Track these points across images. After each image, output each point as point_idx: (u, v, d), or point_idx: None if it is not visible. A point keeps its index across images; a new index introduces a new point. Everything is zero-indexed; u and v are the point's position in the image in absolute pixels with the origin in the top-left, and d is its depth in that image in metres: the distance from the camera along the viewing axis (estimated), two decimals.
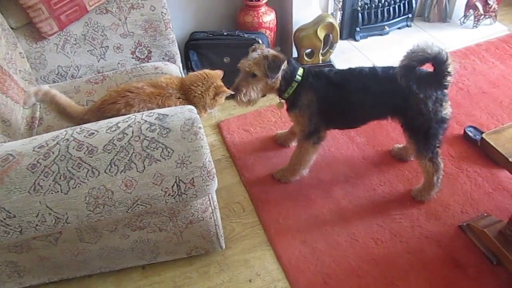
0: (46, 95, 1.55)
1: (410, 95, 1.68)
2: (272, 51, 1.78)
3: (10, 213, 1.16)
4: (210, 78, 1.63)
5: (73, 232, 1.43)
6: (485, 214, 1.85)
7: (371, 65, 1.83)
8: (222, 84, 1.69)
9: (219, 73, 1.72)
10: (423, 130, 1.75)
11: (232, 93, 1.74)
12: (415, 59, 1.56)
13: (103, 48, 2.04)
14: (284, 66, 1.75)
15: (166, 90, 1.55)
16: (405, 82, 1.61)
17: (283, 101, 1.91)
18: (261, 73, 1.74)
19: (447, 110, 1.73)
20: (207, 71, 1.68)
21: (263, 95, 1.91)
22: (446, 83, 1.65)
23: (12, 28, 1.88)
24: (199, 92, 1.60)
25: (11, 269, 1.53)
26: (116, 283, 1.74)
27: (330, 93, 1.80)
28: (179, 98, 1.57)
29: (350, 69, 1.83)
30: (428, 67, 1.67)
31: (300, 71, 1.82)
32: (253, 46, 1.86)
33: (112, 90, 1.58)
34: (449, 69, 1.61)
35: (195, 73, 1.66)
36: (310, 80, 1.81)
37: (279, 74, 1.76)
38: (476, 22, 3.04)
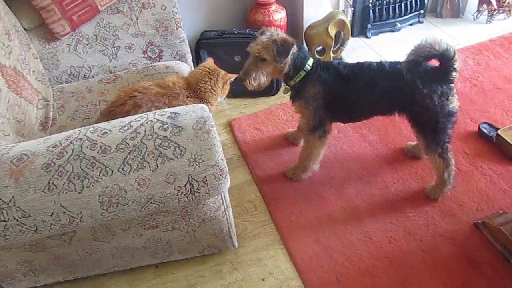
0: None
1: (415, 90, 1.67)
2: (281, 34, 1.76)
3: (25, 212, 1.17)
4: (214, 71, 1.65)
5: (87, 231, 1.44)
6: (501, 211, 1.82)
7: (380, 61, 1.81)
8: (224, 71, 1.70)
9: (211, 60, 1.76)
10: (431, 125, 1.73)
11: (237, 76, 1.74)
12: (422, 55, 1.54)
13: (115, 48, 2.05)
14: (294, 50, 1.72)
15: (173, 90, 1.56)
16: (411, 77, 1.60)
17: (288, 87, 1.90)
18: (270, 57, 1.72)
19: (454, 103, 1.71)
20: (206, 64, 1.69)
21: (272, 79, 1.89)
22: (451, 78, 1.64)
23: (25, 29, 1.90)
24: (209, 87, 1.61)
25: (26, 268, 1.55)
26: (129, 281, 1.75)
27: (337, 85, 1.79)
28: (188, 97, 1.57)
29: (358, 63, 1.81)
30: (433, 62, 1.65)
31: (311, 61, 1.80)
32: (262, 29, 1.82)
33: (120, 91, 1.59)
34: (455, 65, 1.59)
35: (196, 71, 1.67)
36: (318, 72, 1.79)
37: (288, 58, 1.73)
38: (489, 17, 3.00)
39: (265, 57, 1.73)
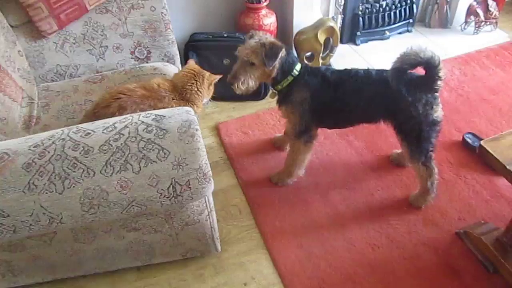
0: None
1: (400, 98, 1.68)
2: (270, 38, 1.76)
3: (3, 212, 1.15)
4: (199, 72, 1.65)
5: (68, 232, 1.43)
6: (483, 221, 1.84)
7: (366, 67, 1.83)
8: (209, 73, 1.70)
9: (193, 62, 1.77)
10: (415, 133, 1.75)
11: (222, 76, 1.73)
12: (407, 62, 1.55)
13: (103, 48, 2.03)
14: (282, 53, 1.72)
15: (158, 92, 1.55)
16: (396, 84, 1.61)
17: (275, 92, 1.90)
18: (259, 61, 1.72)
19: (438, 112, 1.73)
20: (190, 67, 1.69)
21: (260, 83, 1.89)
22: (436, 87, 1.65)
23: (11, 26, 1.87)
24: (196, 89, 1.61)
25: (5, 268, 1.53)
26: (111, 284, 1.73)
27: (324, 92, 1.79)
28: (173, 99, 1.57)
29: (346, 69, 1.82)
30: (418, 71, 1.67)
31: (298, 66, 1.80)
32: (250, 33, 1.82)
33: (104, 92, 1.58)
34: (440, 74, 1.60)
35: (181, 73, 1.66)
36: (305, 77, 1.79)
37: (277, 62, 1.73)
38: (477, 28, 3.04)
39: (253, 61, 1.73)
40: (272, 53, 1.70)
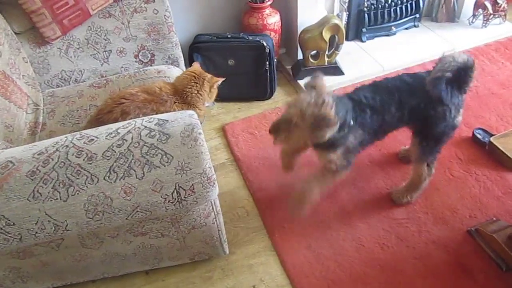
0: None
1: (439, 103, 1.60)
2: (326, 106, 1.40)
3: (9, 220, 1.15)
4: (199, 75, 1.64)
5: (75, 238, 1.43)
6: (494, 218, 1.81)
7: (399, 74, 1.69)
8: (211, 75, 1.69)
9: (197, 65, 1.73)
10: (438, 136, 1.69)
11: (224, 79, 1.69)
12: (448, 69, 1.49)
13: (106, 52, 2.04)
14: (333, 130, 1.46)
15: (160, 96, 1.54)
16: (438, 92, 1.53)
17: None
18: (305, 127, 1.45)
19: (461, 117, 1.69)
20: (191, 69, 1.68)
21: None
22: (467, 88, 1.61)
23: (15, 33, 1.88)
24: (195, 92, 1.60)
25: (14, 274, 1.53)
26: None
27: (373, 123, 1.61)
28: (175, 102, 1.56)
29: (380, 85, 1.64)
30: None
31: (350, 113, 1.53)
32: (312, 82, 1.52)
33: (107, 98, 1.58)
34: (472, 75, 1.56)
35: (181, 76, 1.65)
36: (359, 120, 1.57)
37: (327, 136, 1.47)
38: (485, 21, 2.99)
39: (298, 125, 1.46)
40: (320, 127, 1.43)
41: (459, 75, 1.56)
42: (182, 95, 1.57)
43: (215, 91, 1.68)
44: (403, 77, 1.66)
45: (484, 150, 2.10)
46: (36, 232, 1.18)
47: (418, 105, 1.62)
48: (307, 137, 1.50)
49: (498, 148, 1.95)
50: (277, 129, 1.51)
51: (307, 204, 1.73)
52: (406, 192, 1.88)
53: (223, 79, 1.72)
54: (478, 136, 2.15)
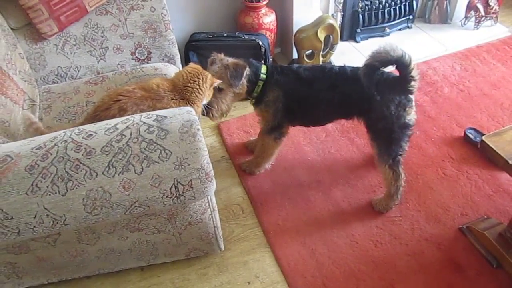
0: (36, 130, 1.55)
1: (372, 96, 1.67)
2: (231, 59, 1.79)
3: (7, 214, 1.16)
4: (201, 72, 1.63)
5: (72, 234, 1.43)
6: (485, 216, 1.84)
7: (341, 64, 1.83)
8: (211, 74, 1.70)
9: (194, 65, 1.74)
10: (385, 134, 1.73)
11: (221, 82, 1.74)
12: (378, 59, 1.53)
13: (103, 49, 2.04)
14: (246, 72, 1.76)
15: (157, 92, 1.54)
16: (367, 82, 1.59)
17: (253, 99, 1.91)
18: (226, 85, 1.75)
19: (411, 116, 1.71)
20: (193, 66, 1.67)
21: (237, 100, 1.92)
22: (410, 88, 1.61)
23: (12, 28, 1.88)
24: (197, 87, 1.59)
25: (9, 270, 1.53)
26: (114, 284, 1.74)
27: (297, 89, 1.81)
28: (173, 99, 1.56)
29: (320, 65, 1.83)
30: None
31: (264, 68, 1.82)
32: (211, 58, 1.84)
33: (104, 95, 1.58)
34: (412, 74, 1.57)
35: (182, 72, 1.64)
36: (275, 77, 1.82)
37: (244, 80, 1.77)
38: (477, 23, 3.03)
39: (220, 87, 1.75)
40: (236, 73, 1.73)
41: (399, 73, 1.60)
42: (182, 91, 1.57)
43: (211, 92, 1.69)
44: (345, 67, 1.79)
45: (475, 149, 2.13)
46: (34, 226, 1.19)
47: (350, 94, 1.74)
48: (232, 92, 1.79)
49: (490, 147, 1.97)
50: (208, 104, 1.73)
51: (257, 166, 2.09)
52: (383, 200, 1.90)
53: (221, 81, 1.73)
54: (470, 135, 2.19)
